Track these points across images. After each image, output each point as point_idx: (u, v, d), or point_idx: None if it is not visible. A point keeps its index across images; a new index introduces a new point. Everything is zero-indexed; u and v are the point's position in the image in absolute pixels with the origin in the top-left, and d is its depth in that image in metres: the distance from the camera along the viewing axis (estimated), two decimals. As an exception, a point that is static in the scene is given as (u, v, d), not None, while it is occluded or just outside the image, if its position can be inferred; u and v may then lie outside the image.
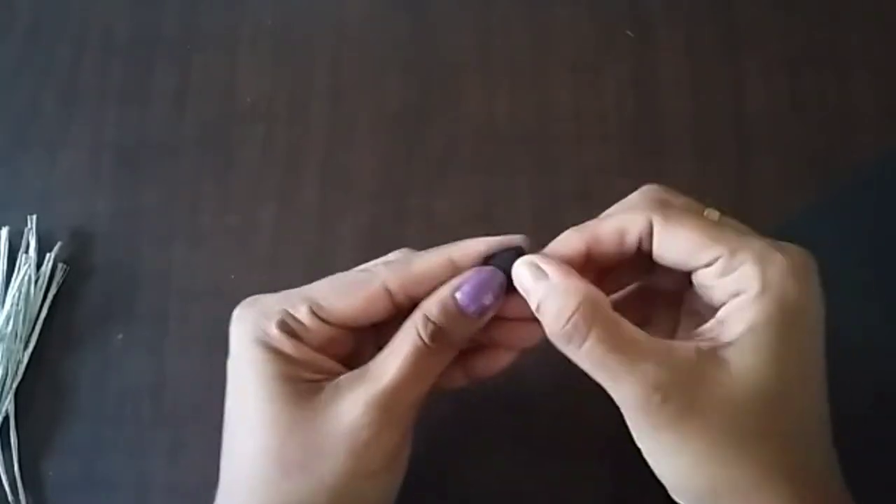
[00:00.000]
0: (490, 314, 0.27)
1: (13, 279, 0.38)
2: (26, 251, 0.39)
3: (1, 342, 0.37)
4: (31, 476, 0.36)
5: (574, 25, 0.41)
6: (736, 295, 0.24)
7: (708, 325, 0.25)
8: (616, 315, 0.25)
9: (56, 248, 0.39)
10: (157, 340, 0.38)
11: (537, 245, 0.27)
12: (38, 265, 0.39)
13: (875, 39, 0.39)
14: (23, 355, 0.38)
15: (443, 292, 0.26)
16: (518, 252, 0.27)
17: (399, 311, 0.28)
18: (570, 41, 0.41)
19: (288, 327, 0.27)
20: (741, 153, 0.38)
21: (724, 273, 0.25)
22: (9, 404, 0.37)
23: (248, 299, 0.28)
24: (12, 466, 0.36)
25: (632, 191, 0.38)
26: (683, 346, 0.24)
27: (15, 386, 0.37)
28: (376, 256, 0.30)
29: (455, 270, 0.27)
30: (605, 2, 0.41)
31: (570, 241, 0.26)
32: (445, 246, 0.28)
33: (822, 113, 0.38)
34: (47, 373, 0.38)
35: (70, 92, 0.43)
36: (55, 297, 0.39)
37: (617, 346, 0.24)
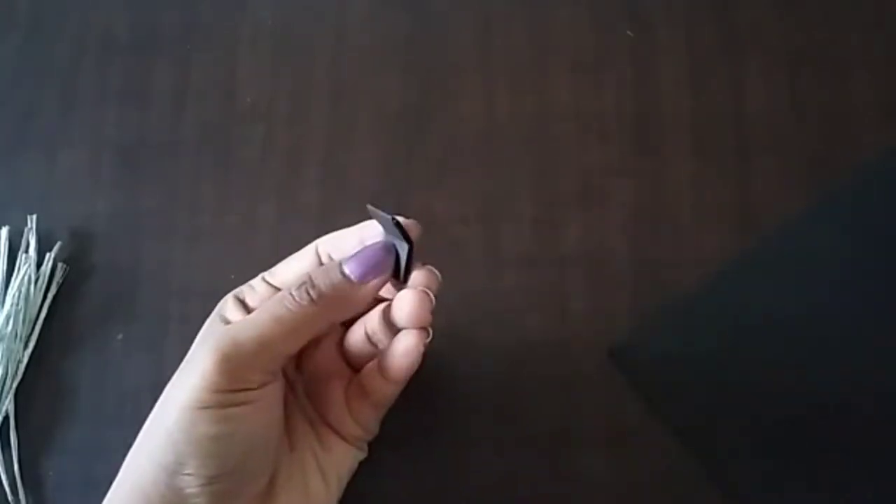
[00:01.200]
0: (367, 281, 0.28)
1: (13, 279, 0.38)
2: (26, 251, 0.39)
3: (1, 342, 0.37)
4: (31, 476, 0.36)
5: (574, 25, 0.41)
6: None
7: None
8: None
9: (56, 248, 0.39)
10: (157, 340, 0.38)
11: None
12: (38, 265, 0.39)
13: (875, 39, 0.39)
14: (23, 355, 0.38)
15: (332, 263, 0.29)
16: (395, 223, 0.28)
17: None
18: (570, 41, 0.41)
19: (241, 297, 0.30)
20: (741, 153, 0.38)
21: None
22: (9, 404, 0.37)
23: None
24: (12, 466, 0.36)
25: (632, 190, 0.38)
26: None
27: (15, 386, 0.37)
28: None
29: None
30: (605, 2, 0.41)
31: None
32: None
33: (822, 113, 0.38)
34: (47, 373, 0.38)
35: (70, 92, 0.43)
36: (55, 297, 0.39)
37: None
